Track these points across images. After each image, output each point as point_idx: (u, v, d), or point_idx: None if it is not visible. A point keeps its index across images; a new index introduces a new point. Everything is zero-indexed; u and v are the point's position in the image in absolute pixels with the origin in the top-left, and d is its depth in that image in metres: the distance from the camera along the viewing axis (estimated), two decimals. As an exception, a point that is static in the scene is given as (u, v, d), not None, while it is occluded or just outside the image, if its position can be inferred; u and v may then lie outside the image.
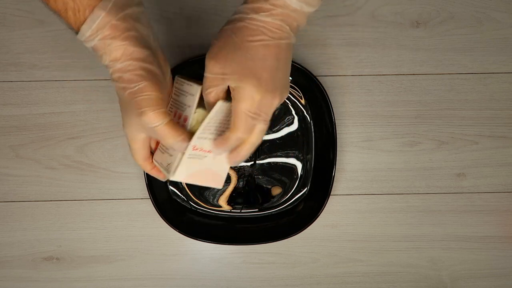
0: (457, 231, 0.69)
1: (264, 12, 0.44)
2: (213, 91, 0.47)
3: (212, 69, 0.46)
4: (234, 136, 0.47)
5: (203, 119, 0.48)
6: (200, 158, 0.50)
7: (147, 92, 0.46)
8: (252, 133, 0.48)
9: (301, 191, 0.68)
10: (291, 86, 0.67)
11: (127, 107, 0.48)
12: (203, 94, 0.48)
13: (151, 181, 0.65)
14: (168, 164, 0.50)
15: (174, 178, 0.49)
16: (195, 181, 0.51)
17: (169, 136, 0.47)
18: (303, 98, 0.67)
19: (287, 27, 0.45)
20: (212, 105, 0.47)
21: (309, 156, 0.67)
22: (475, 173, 0.69)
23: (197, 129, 0.48)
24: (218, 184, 0.52)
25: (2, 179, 0.67)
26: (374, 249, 0.69)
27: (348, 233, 0.69)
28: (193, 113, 0.50)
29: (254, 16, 0.45)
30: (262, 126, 0.48)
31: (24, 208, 0.68)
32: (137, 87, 0.46)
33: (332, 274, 0.69)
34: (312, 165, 0.67)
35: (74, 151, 0.67)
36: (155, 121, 0.46)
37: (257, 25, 0.45)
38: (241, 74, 0.45)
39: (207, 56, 0.47)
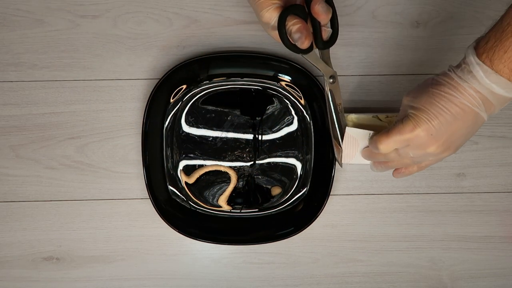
0: (457, 231, 0.69)
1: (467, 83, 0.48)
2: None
3: (404, 100, 0.52)
4: (380, 155, 0.55)
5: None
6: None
7: None
8: (402, 162, 0.55)
9: (301, 191, 0.68)
10: (291, 86, 0.67)
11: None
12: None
13: (151, 181, 0.65)
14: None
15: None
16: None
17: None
18: (303, 98, 0.67)
19: (480, 102, 0.48)
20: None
21: (308, 156, 0.67)
22: (475, 173, 0.69)
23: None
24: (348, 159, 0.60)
25: (2, 179, 0.67)
26: (374, 249, 0.69)
27: (348, 233, 0.69)
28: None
29: (456, 79, 0.49)
30: (413, 169, 0.56)
31: (24, 208, 0.68)
32: None
33: (332, 274, 0.69)
34: (312, 165, 0.67)
35: (74, 151, 0.67)
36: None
37: (454, 86, 0.49)
38: (416, 109, 0.50)
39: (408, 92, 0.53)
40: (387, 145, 0.52)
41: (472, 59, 0.48)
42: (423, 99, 0.50)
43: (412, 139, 0.51)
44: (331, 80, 0.57)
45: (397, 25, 0.67)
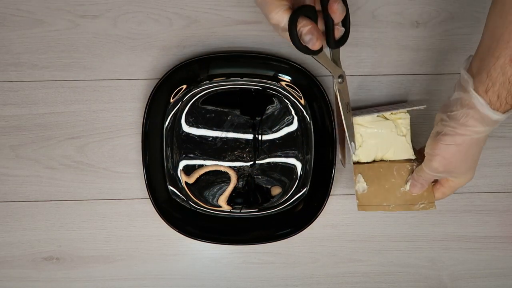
0: (457, 231, 0.69)
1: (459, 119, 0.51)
2: (420, 186, 0.60)
3: (436, 168, 0.56)
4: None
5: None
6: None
7: None
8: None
9: (301, 191, 0.68)
10: (291, 86, 0.67)
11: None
12: (411, 184, 0.61)
13: (151, 182, 0.65)
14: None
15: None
16: None
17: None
18: (303, 98, 0.67)
19: (482, 127, 0.51)
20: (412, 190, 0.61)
21: (308, 156, 0.67)
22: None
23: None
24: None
25: (2, 179, 0.67)
26: (374, 249, 0.69)
27: (348, 233, 0.69)
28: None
29: (463, 131, 0.52)
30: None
31: (24, 208, 0.68)
32: None
33: (332, 274, 0.69)
34: (312, 165, 0.67)
35: (74, 151, 0.67)
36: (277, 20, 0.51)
37: (470, 139, 0.52)
38: (460, 175, 0.58)
39: (432, 152, 0.55)
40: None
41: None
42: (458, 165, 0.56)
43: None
44: (340, 80, 0.57)
45: (397, 25, 0.67)
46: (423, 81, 0.68)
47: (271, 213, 0.68)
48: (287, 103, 0.67)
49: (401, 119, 0.62)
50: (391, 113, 0.62)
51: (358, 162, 0.63)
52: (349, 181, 0.68)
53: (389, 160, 0.62)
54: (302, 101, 0.67)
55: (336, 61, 0.55)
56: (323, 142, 0.66)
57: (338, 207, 0.69)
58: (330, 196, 0.65)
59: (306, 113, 0.67)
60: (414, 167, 0.61)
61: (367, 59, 0.67)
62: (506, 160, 0.69)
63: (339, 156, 0.63)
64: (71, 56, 0.67)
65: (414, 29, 0.67)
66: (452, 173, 0.57)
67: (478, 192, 0.69)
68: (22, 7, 0.66)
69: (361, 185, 0.62)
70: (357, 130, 0.62)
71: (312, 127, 0.67)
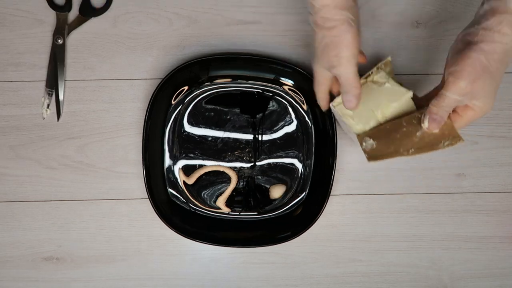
0: (457, 231, 0.69)
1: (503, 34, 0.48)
2: (440, 119, 0.53)
3: (462, 87, 0.50)
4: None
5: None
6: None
7: (345, 43, 0.52)
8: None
9: (299, 195, 0.67)
10: (293, 91, 0.66)
11: (323, 49, 0.54)
12: (433, 112, 0.53)
13: (150, 183, 0.65)
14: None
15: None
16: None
17: (349, 84, 0.54)
18: (305, 103, 0.66)
19: None
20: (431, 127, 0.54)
21: (308, 161, 0.67)
22: (475, 173, 0.69)
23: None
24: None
25: (2, 179, 0.67)
26: (374, 249, 0.69)
27: (348, 233, 0.69)
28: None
29: (497, 37, 0.49)
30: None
31: (24, 208, 0.68)
32: (337, 38, 0.52)
33: (332, 274, 0.69)
34: (312, 170, 0.67)
35: (74, 151, 0.67)
36: (346, 70, 0.54)
37: (502, 48, 0.49)
38: (484, 99, 0.52)
39: (457, 69, 0.50)
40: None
41: None
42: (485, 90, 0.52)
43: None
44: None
45: (397, 25, 0.67)
46: (423, 81, 0.68)
47: (270, 216, 0.68)
48: (288, 107, 0.67)
49: (376, 74, 0.59)
50: (363, 78, 0.59)
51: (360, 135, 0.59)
52: (349, 181, 0.68)
53: (394, 118, 0.58)
54: (305, 106, 0.67)
55: None
56: (324, 147, 0.66)
57: (338, 207, 0.69)
58: (330, 196, 0.65)
59: (308, 118, 0.67)
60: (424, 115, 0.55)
61: (367, 59, 0.67)
62: (506, 160, 0.69)
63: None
64: (71, 56, 0.67)
65: (414, 29, 0.67)
66: (476, 96, 0.51)
67: (478, 192, 0.69)
68: (22, 7, 0.66)
69: (368, 143, 0.58)
70: (343, 111, 0.59)
71: (313, 131, 0.67)
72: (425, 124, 0.54)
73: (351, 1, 0.52)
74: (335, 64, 0.53)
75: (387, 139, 0.57)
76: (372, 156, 0.57)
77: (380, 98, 0.58)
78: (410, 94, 0.57)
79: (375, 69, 0.59)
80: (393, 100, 0.57)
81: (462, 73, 0.50)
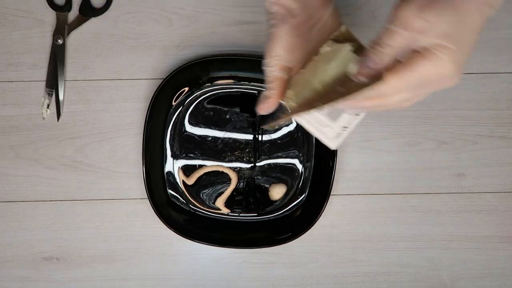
0: (457, 231, 0.69)
1: None
2: (392, 52, 0.39)
3: (413, 23, 0.37)
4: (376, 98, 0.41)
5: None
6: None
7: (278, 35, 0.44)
8: (390, 98, 0.41)
9: (299, 197, 0.67)
10: None
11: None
12: (372, 53, 0.41)
13: (150, 184, 0.65)
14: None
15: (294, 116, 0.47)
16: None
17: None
18: None
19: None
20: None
21: (308, 164, 0.67)
22: (475, 173, 0.69)
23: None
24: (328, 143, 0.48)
25: (2, 179, 0.67)
26: (374, 249, 0.69)
27: (348, 233, 0.69)
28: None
29: None
30: (405, 102, 0.41)
31: (24, 208, 0.68)
32: (273, 30, 0.45)
33: (332, 274, 0.69)
34: (312, 172, 0.67)
35: (74, 151, 0.67)
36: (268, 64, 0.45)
37: None
38: (450, 39, 0.37)
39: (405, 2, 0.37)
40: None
41: None
42: (451, 26, 0.37)
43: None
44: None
45: (397, 25, 0.67)
46: (423, 81, 0.68)
47: (269, 218, 0.68)
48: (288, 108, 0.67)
49: (324, 47, 0.48)
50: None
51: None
52: (349, 181, 0.68)
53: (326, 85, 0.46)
54: None
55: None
56: (324, 148, 0.66)
57: (338, 207, 0.69)
58: (330, 196, 0.65)
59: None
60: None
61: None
62: (506, 160, 0.69)
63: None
64: (71, 56, 0.67)
65: (414, 29, 0.67)
66: (434, 32, 0.37)
67: (478, 192, 0.69)
68: (22, 7, 0.66)
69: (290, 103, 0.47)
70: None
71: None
72: (352, 70, 0.43)
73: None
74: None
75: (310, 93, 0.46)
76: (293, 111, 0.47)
77: (317, 65, 0.47)
78: (347, 46, 0.46)
79: (326, 43, 0.48)
80: (329, 60, 0.46)
81: None
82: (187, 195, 0.67)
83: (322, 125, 0.46)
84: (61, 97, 0.66)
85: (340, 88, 0.42)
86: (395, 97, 0.41)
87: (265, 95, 0.47)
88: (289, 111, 0.47)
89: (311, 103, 0.44)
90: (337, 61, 0.45)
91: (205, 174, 0.67)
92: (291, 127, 0.67)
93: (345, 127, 0.48)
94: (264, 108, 0.48)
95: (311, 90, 0.46)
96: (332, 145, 0.48)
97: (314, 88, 0.46)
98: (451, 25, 0.37)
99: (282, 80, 0.46)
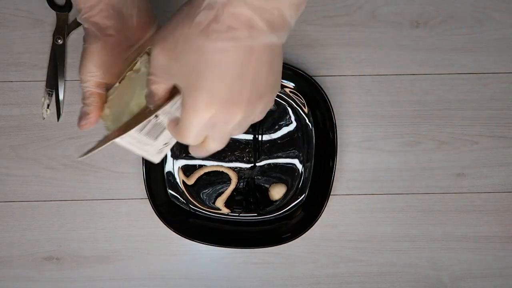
0: (457, 231, 0.69)
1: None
2: (158, 87, 0.38)
3: (157, 60, 0.36)
4: (183, 142, 0.39)
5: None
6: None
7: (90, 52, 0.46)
8: (203, 145, 0.40)
9: (299, 197, 0.67)
10: (293, 93, 0.66)
11: None
12: (147, 85, 0.39)
13: (150, 184, 0.65)
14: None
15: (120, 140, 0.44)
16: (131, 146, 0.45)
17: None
18: (306, 106, 0.66)
19: (261, 23, 0.33)
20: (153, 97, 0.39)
21: (308, 164, 0.67)
22: (474, 173, 0.69)
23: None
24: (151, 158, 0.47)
25: (2, 179, 0.67)
26: (374, 249, 0.69)
27: (348, 233, 0.69)
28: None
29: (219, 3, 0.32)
30: (213, 145, 0.40)
31: (24, 208, 0.68)
32: (85, 45, 0.46)
33: (332, 274, 0.69)
34: (312, 172, 0.67)
35: (74, 151, 0.67)
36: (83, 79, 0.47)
37: (219, 19, 0.33)
38: (188, 81, 0.35)
39: (154, 37, 0.37)
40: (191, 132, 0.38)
41: None
42: (187, 67, 0.35)
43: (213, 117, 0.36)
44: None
45: (397, 25, 0.67)
46: (423, 81, 0.68)
47: (269, 218, 0.68)
48: (289, 109, 0.67)
49: (139, 62, 0.47)
50: (128, 70, 0.48)
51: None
52: (349, 181, 0.68)
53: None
54: (306, 109, 0.66)
55: None
56: (324, 148, 0.66)
57: (338, 207, 0.69)
58: (330, 196, 0.65)
59: (309, 120, 0.67)
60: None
61: (367, 59, 0.67)
62: (506, 160, 0.69)
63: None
64: (71, 56, 0.67)
65: (414, 29, 0.67)
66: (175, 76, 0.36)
67: (478, 192, 0.69)
68: (22, 7, 0.66)
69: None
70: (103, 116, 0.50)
71: (313, 134, 0.67)
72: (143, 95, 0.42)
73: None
74: None
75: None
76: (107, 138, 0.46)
77: (134, 87, 0.46)
78: (143, 68, 0.46)
79: (141, 55, 0.47)
80: (143, 80, 0.44)
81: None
82: (187, 195, 0.67)
83: (143, 144, 0.45)
84: (61, 97, 0.66)
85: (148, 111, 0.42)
86: (189, 129, 0.38)
87: (84, 111, 0.48)
88: (108, 132, 0.48)
89: (128, 127, 0.44)
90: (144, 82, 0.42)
91: (205, 174, 0.67)
92: (291, 127, 0.67)
93: (166, 143, 0.46)
94: (85, 125, 0.49)
95: (128, 113, 0.47)
96: (155, 160, 0.47)
97: (131, 111, 0.46)
98: (187, 67, 0.35)
99: (99, 96, 0.47)
